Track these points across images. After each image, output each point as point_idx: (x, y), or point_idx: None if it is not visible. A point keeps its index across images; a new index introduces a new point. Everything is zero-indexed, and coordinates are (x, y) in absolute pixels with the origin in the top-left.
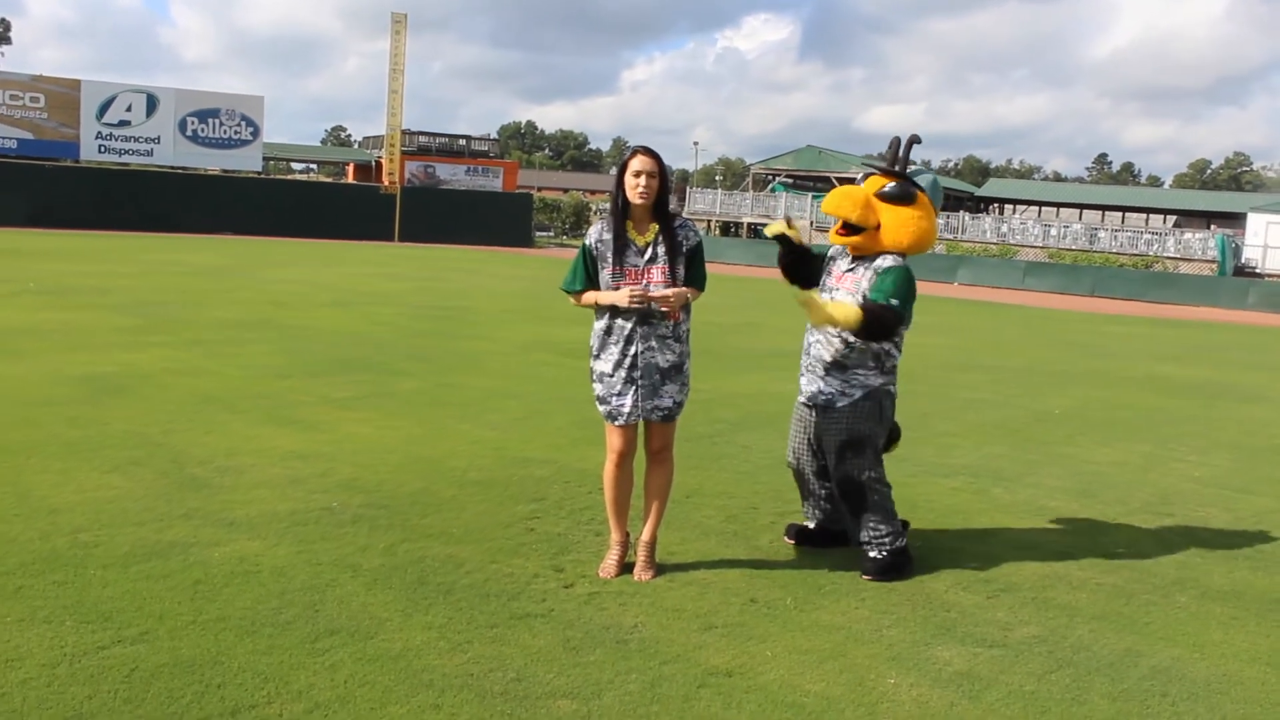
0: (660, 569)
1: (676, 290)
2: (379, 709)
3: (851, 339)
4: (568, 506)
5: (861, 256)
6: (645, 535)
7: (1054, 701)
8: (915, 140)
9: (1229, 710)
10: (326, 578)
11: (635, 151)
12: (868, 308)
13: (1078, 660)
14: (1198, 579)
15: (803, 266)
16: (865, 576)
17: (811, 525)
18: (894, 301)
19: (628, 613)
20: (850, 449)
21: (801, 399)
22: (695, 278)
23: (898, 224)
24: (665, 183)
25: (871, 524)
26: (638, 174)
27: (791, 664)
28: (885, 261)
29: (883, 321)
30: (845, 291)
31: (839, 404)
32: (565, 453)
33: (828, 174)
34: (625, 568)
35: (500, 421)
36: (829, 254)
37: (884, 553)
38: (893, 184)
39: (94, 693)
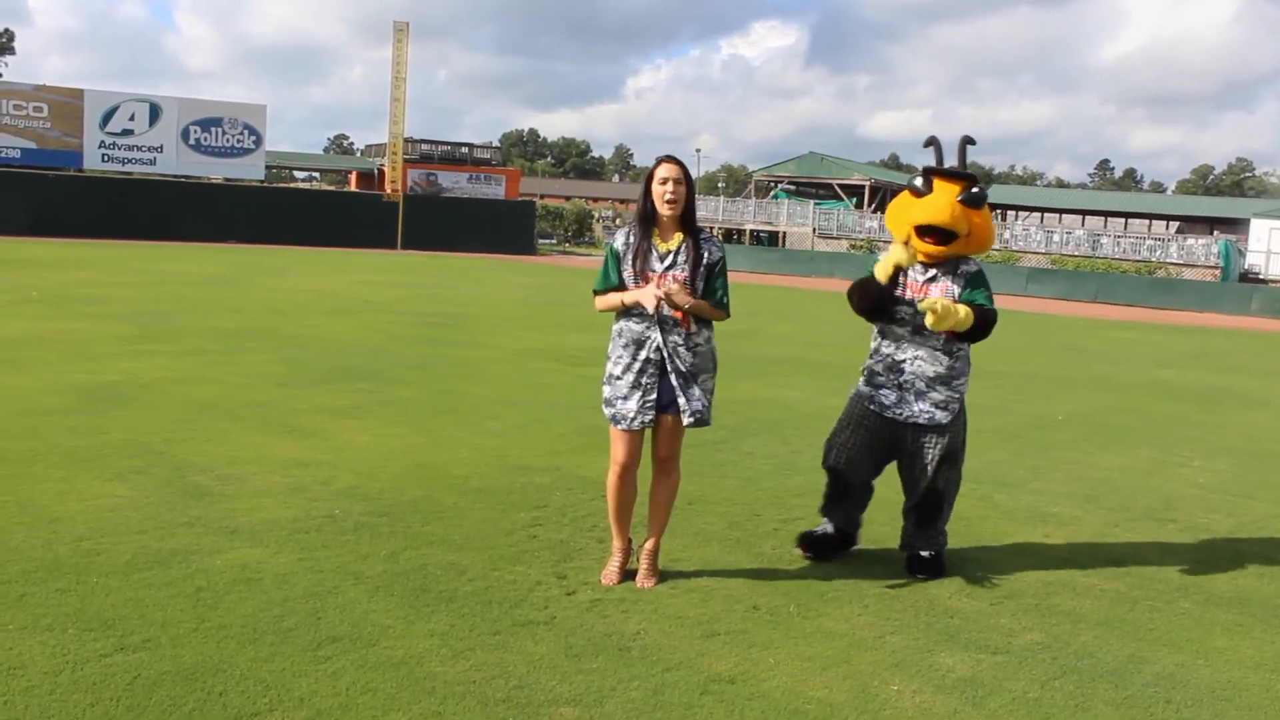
0: (662, 576)
1: (693, 300)
2: (381, 717)
3: (948, 344)
4: (569, 514)
5: (938, 263)
6: (648, 543)
7: (1057, 708)
8: (971, 141)
9: (1232, 717)
10: (328, 585)
11: (660, 160)
12: (979, 312)
13: (1081, 667)
14: (1201, 585)
15: (890, 299)
16: (921, 576)
17: (830, 530)
18: (993, 306)
19: (630, 620)
20: (951, 460)
21: (888, 414)
22: (712, 291)
23: (981, 229)
24: (691, 190)
25: (936, 530)
26: (664, 181)
27: (794, 671)
28: (970, 266)
29: (989, 324)
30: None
31: (944, 421)
32: (566, 460)
33: (830, 180)
34: (627, 575)
35: (501, 429)
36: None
37: (933, 552)
38: (976, 189)
39: (96, 700)
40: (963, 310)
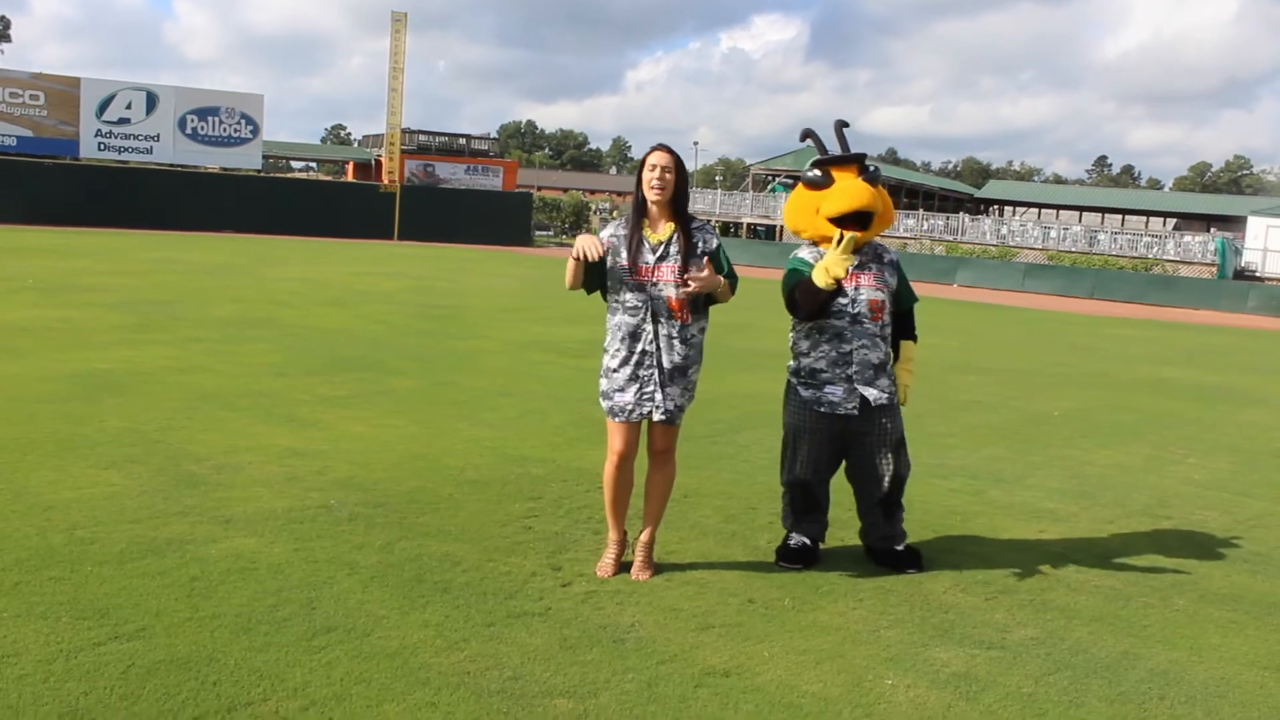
0: (658, 568)
1: (707, 277)
2: (375, 706)
3: (884, 329)
4: (565, 505)
5: (859, 249)
6: (644, 535)
7: (1051, 704)
8: (845, 124)
9: (1226, 714)
10: (323, 575)
11: (653, 148)
12: (916, 335)
13: (1075, 662)
14: (1196, 582)
15: (833, 297)
16: (911, 570)
17: (807, 541)
18: (915, 297)
19: (625, 612)
20: (903, 443)
21: (840, 411)
22: (727, 276)
23: (888, 204)
24: (683, 180)
25: (901, 516)
26: (654, 168)
27: (789, 664)
28: (890, 255)
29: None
30: (869, 288)
31: (893, 402)
32: (562, 451)
33: None
34: (623, 567)
35: (497, 420)
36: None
37: (905, 545)
38: (871, 167)
39: (90, 689)
40: (915, 352)
